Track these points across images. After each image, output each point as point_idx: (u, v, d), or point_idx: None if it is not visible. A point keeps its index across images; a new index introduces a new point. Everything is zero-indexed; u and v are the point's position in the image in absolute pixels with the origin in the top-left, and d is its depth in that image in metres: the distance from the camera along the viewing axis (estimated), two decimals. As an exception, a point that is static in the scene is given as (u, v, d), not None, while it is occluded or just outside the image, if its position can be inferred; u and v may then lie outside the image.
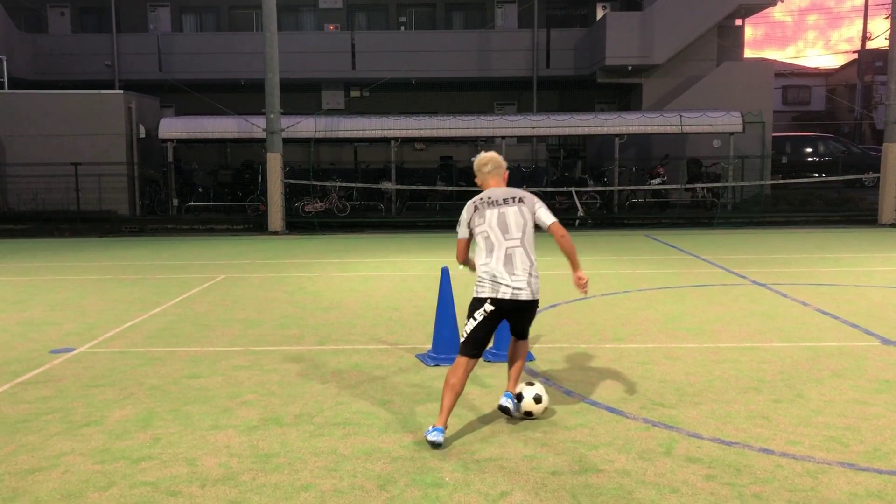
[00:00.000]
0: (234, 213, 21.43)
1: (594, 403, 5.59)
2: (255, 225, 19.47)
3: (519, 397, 5.26)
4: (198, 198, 22.05)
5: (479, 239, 5.11)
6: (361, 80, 25.80)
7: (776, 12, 73.29)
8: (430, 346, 7.06)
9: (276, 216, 18.59)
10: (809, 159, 27.86)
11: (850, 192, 23.44)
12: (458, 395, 4.96)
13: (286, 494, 4.19)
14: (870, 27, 41.08)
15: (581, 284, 5.18)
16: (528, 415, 5.25)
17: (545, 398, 5.27)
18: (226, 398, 5.86)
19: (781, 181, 23.16)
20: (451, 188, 21.06)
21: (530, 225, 5.11)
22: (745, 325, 8.05)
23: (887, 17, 26.44)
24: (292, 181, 19.76)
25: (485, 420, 5.31)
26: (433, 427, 4.87)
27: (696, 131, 21.27)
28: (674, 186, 21.55)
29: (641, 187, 21.19)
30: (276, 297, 10.06)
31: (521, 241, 5.04)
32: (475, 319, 5.01)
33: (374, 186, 21.28)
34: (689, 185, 21.60)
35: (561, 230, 5.07)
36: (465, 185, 21.55)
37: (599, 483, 4.28)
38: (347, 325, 8.31)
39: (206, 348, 7.41)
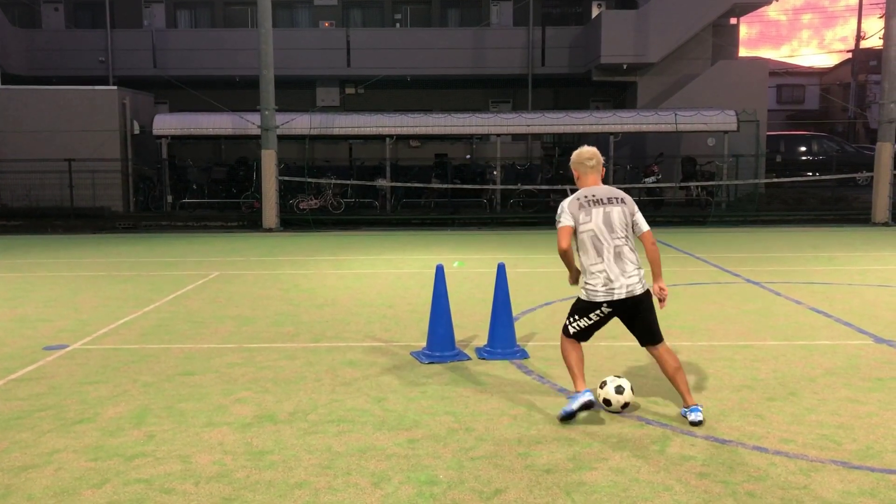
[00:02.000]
0: (229, 210, 21.39)
1: (588, 401, 5.60)
2: (250, 222, 19.44)
3: (606, 402, 5.31)
4: (192, 195, 22.01)
5: (584, 238, 5.20)
6: (356, 77, 25.77)
7: (771, 11, 73.38)
8: (424, 344, 7.06)
9: (270, 213, 18.55)
10: (803, 158, 27.93)
11: (844, 191, 23.53)
12: (580, 365, 5.31)
13: (280, 492, 4.19)
14: (864, 26, 41.19)
15: (661, 296, 5.34)
16: (626, 406, 5.31)
17: (626, 388, 5.31)
18: (220, 395, 5.85)
19: (776, 180, 23.21)
20: (445, 186, 21.05)
21: (629, 224, 5.30)
22: (738, 324, 8.07)
23: (881, 17, 26.49)
24: (287, 178, 19.75)
25: (479, 418, 5.31)
26: (575, 392, 5.23)
27: (690, 130, 21.30)
28: (668, 185, 21.58)
29: (636, 185, 21.20)
30: (270, 294, 10.05)
31: (626, 239, 5.24)
32: (589, 319, 5.25)
33: (369, 184, 21.25)
34: (683, 184, 21.63)
35: (652, 238, 5.39)
36: (460, 182, 21.57)
37: (594, 480, 4.29)
38: (342, 323, 8.31)
39: (200, 345, 7.40)
